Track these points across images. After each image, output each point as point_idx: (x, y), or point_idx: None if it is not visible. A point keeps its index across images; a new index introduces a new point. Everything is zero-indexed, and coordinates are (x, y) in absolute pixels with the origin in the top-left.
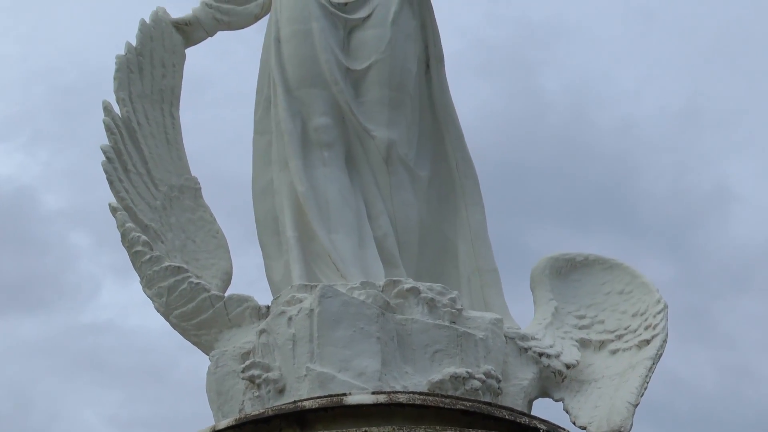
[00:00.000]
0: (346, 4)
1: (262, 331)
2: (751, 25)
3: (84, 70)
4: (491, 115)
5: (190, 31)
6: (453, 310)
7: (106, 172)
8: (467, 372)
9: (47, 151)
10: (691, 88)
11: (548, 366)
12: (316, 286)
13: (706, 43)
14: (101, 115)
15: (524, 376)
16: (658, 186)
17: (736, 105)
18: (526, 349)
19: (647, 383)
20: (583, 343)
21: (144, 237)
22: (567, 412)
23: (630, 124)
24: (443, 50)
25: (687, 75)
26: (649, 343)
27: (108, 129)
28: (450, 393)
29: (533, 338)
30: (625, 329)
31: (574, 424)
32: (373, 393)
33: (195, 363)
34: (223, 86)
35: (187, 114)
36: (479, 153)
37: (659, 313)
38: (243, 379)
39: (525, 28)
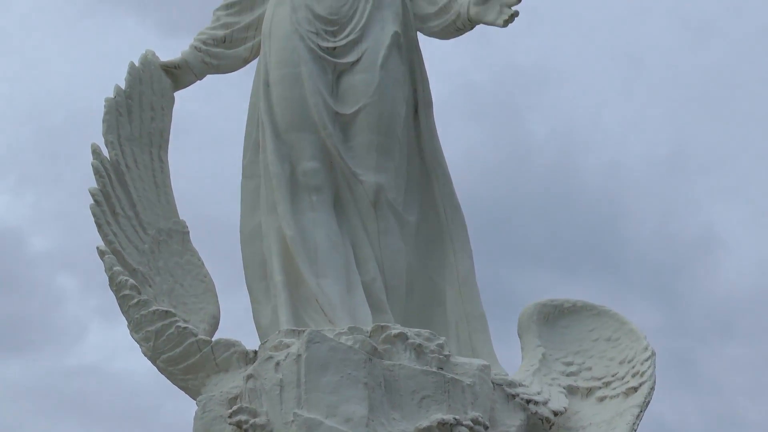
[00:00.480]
0: (335, 48)
1: (249, 376)
2: (737, 71)
3: (71, 112)
4: (478, 159)
5: (180, 74)
6: (440, 356)
7: (94, 215)
8: (455, 418)
9: (34, 193)
10: (677, 133)
11: (536, 413)
12: (303, 331)
13: (692, 88)
14: (89, 157)
15: (512, 422)
16: (645, 231)
17: (723, 151)
18: (513, 396)
19: (635, 431)
20: (571, 390)
21: (132, 281)
22: None
23: (616, 170)
24: (431, 94)
25: (673, 120)
26: (636, 391)
27: (96, 172)
28: None
29: (521, 385)
30: (613, 376)
31: None
32: None
33: (182, 407)
34: (211, 129)
35: (175, 157)
36: (466, 197)
37: (647, 360)
38: (230, 424)
39: (512, 73)
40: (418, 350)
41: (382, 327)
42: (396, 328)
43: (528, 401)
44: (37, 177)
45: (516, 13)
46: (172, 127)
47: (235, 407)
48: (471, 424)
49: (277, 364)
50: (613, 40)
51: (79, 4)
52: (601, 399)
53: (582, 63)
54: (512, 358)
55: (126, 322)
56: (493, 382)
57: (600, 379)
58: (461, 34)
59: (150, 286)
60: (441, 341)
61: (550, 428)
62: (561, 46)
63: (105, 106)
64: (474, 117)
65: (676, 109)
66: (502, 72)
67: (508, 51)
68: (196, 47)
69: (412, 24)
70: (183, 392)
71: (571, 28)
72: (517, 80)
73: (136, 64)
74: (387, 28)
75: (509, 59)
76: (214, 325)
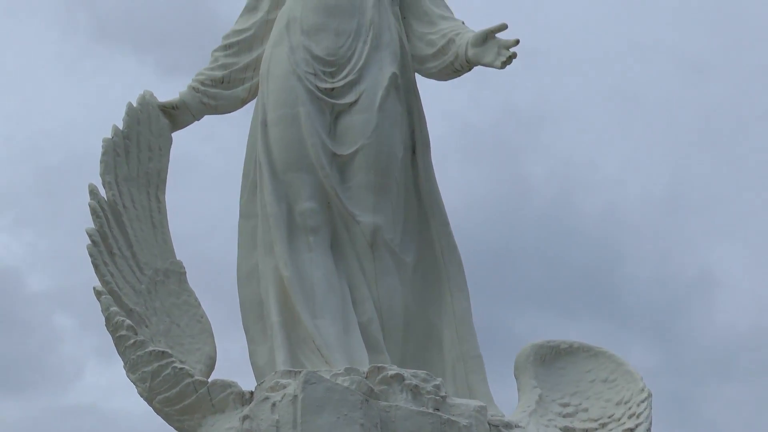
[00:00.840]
0: (333, 89)
1: (245, 417)
2: (735, 111)
3: (69, 152)
4: (476, 199)
5: (177, 115)
6: (437, 397)
7: (91, 255)
8: None
9: (32, 232)
10: (674, 174)
11: None
12: (300, 371)
13: (689, 128)
14: (87, 197)
15: None
16: (642, 272)
17: (720, 191)
18: None
19: None
20: (567, 431)
21: (128, 321)
22: None
23: (614, 210)
24: (429, 135)
25: (670, 161)
26: None
27: (93, 212)
28: None
29: (517, 426)
30: (609, 417)
31: None
32: None
33: None
34: (208, 169)
35: (173, 197)
36: (463, 238)
37: (643, 401)
38: None
39: (510, 114)
40: (415, 391)
41: (379, 368)
42: (392, 369)
43: None
44: (35, 217)
45: (514, 55)
46: (169, 167)
47: None
48: None
49: (274, 404)
50: (610, 81)
51: (78, 45)
52: None
53: (579, 104)
54: (509, 399)
55: (122, 363)
56: (489, 423)
57: (596, 420)
58: (459, 75)
59: (146, 326)
60: (437, 382)
61: None
62: (559, 87)
63: (103, 146)
64: (472, 158)
65: (674, 150)
66: (500, 113)
67: (506, 92)
68: (194, 88)
69: (410, 65)
70: None
71: (568, 69)
72: (514, 121)
73: (134, 104)
74: (385, 69)
75: (507, 100)
76: (211, 365)
